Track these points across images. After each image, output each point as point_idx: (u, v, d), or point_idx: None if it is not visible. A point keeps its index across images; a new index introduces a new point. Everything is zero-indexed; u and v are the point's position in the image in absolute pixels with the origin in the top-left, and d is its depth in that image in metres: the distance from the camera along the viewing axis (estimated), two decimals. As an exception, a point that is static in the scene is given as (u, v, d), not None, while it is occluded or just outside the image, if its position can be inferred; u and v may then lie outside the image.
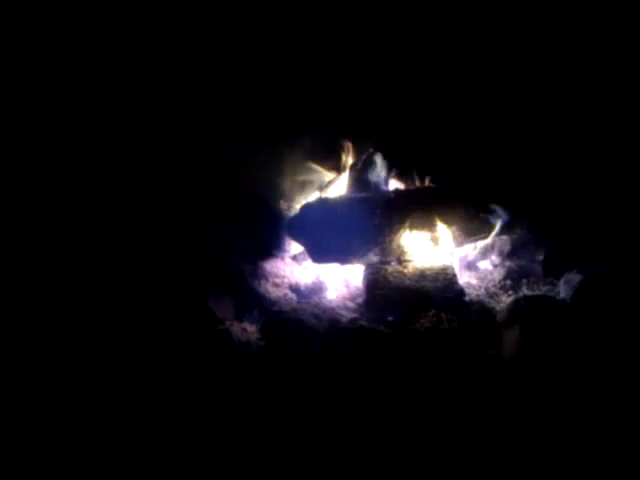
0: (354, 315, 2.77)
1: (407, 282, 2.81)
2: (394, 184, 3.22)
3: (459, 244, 3.06)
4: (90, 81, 3.15)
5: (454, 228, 2.99)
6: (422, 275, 2.84)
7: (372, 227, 2.89)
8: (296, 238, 3.04)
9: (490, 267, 3.17)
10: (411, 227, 2.92)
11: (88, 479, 1.89)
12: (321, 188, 3.29)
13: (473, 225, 3.01)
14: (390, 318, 2.70)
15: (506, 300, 2.85)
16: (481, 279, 3.09)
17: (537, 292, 2.92)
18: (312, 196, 3.28)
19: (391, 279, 2.82)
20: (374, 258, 2.91)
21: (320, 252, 2.96)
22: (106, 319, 2.52)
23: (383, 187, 3.17)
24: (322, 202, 3.10)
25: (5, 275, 2.66)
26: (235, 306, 2.80)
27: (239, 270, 2.98)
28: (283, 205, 3.28)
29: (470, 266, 3.18)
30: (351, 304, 2.89)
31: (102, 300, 2.61)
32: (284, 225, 3.10)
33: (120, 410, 2.11)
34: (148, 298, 2.64)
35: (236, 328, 2.65)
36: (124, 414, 2.10)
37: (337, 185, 3.28)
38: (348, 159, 3.26)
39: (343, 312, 2.80)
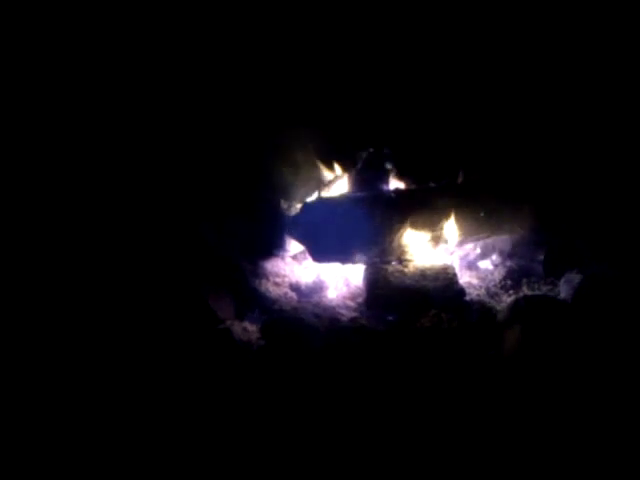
0: (354, 314, 2.77)
1: (407, 282, 2.81)
2: (395, 183, 3.22)
3: (460, 244, 3.07)
4: (88, 80, 3.14)
5: (455, 228, 2.99)
6: (422, 275, 2.84)
7: (372, 226, 2.89)
8: (297, 237, 3.04)
9: (491, 267, 3.17)
10: (412, 227, 2.93)
11: (88, 479, 1.89)
12: (322, 187, 3.29)
13: (474, 225, 3.01)
14: (390, 318, 2.70)
15: (506, 300, 2.85)
16: (481, 279, 3.09)
17: (537, 292, 2.92)
18: (313, 195, 3.28)
19: (391, 279, 2.82)
20: (375, 257, 2.91)
21: (320, 251, 2.96)
22: (107, 318, 2.52)
23: (384, 186, 3.17)
24: (323, 201, 3.10)
25: (5, 275, 2.66)
26: (236, 305, 2.80)
27: (240, 269, 2.98)
28: (284, 204, 3.28)
29: (471, 266, 3.18)
30: (351, 303, 2.89)
31: (103, 299, 2.61)
32: (285, 224, 3.10)
33: (121, 409, 2.12)
34: (149, 298, 2.65)
35: (237, 327, 2.65)
36: (125, 413, 2.10)
37: (338, 184, 3.28)
38: (350, 158, 3.25)
39: (343, 311, 2.80)
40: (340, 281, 3.04)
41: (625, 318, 2.45)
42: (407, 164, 3.21)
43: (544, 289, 2.94)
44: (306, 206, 3.04)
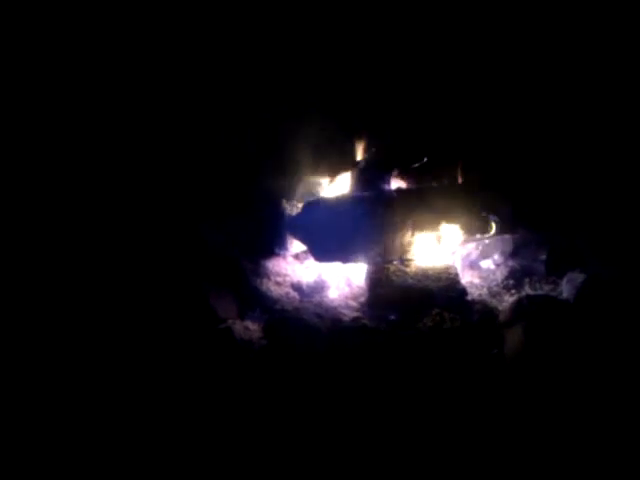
0: (356, 314, 2.77)
1: (409, 281, 2.80)
2: (396, 183, 3.22)
3: (462, 243, 3.06)
4: (88, 80, 3.14)
5: (457, 227, 2.99)
6: (424, 274, 2.84)
7: (374, 226, 2.89)
8: (298, 237, 3.04)
9: (493, 266, 3.17)
10: (413, 226, 2.92)
11: (88, 479, 1.89)
12: (323, 187, 3.29)
13: (475, 224, 3.01)
14: (392, 317, 2.70)
15: (509, 299, 2.85)
16: (484, 278, 3.09)
17: (540, 291, 2.92)
18: (314, 195, 3.28)
19: (393, 278, 2.81)
20: (376, 257, 2.91)
21: (322, 251, 2.96)
22: (109, 317, 2.52)
23: (385, 186, 3.16)
24: (324, 201, 3.10)
25: (8, 270, 2.66)
26: (237, 305, 2.80)
27: (241, 269, 2.98)
28: (285, 204, 3.27)
29: (473, 265, 3.18)
30: (353, 303, 2.89)
31: (104, 298, 2.61)
32: (286, 224, 3.10)
33: (122, 408, 2.11)
34: (151, 297, 2.64)
35: (238, 327, 2.65)
36: (126, 412, 2.10)
37: (339, 184, 3.28)
38: (352, 158, 3.25)
39: (345, 311, 2.80)
40: (342, 281, 3.03)
41: (627, 318, 2.45)
42: (409, 164, 3.20)
43: (546, 289, 2.94)
44: (308, 206, 3.04)
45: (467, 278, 3.07)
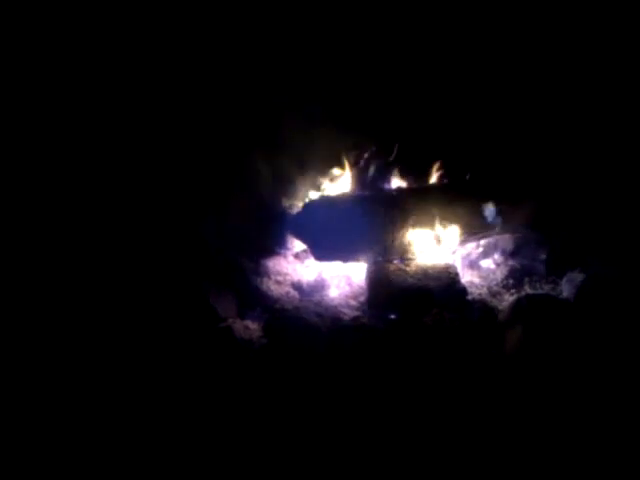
0: (356, 313, 2.77)
1: (410, 280, 2.80)
2: (397, 182, 3.22)
3: (462, 243, 3.06)
4: (90, 80, 3.14)
5: (457, 227, 2.99)
6: (425, 274, 2.84)
7: (374, 225, 2.89)
8: (299, 236, 3.04)
9: (493, 266, 3.17)
10: (414, 225, 2.92)
11: (88, 479, 1.89)
12: (324, 186, 3.29)
13: (476, 224, 3.01)
14: (392, 316, 2.70)
15: (508, 299, 2.85)
16: (483, 278, 3.09)
17: (539, 291, 2.92)
18: (315, 194, 3.28)
19: (394, 277, 2.81)
20: (377, 256, 2.91)
21: (322, 250, 2.96)
22: (109, 316, 2.52)
23: (386, 185, 3.17)
24: (325, 200, 3.10)
25: (8, 269, 2.67)
26: (238, 304, 2.81)
27: (241, 268, 2.98)
28: (286, 203, 3.28)
29: (473, 265, 3.18)
30: (353, 302, 2.89)
31: (106, 298, 2.62)
32: (287, 223, 3.10)
33: (122, 407, 2.12)
34: (151, 296, 2.65)
35: (238, 326, 2.65)
36: (126, 411, 2.10)
37: (340, 183, 3.28)
38: (352, 157, 3.25)
39: (345, 310, 2.80)
40: (342, 280, 3.03)
41: (627, 317, 2.45)
42: (410, 163, 3.20)
43: (546, 288, 2.94)
44: (308, 205, 3.04)
45: (467, 277, 3.07)
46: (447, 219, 2.97)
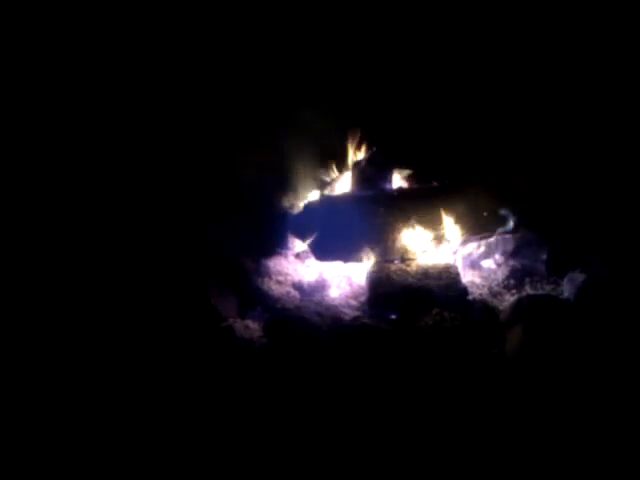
0: (357, 313, 2.77)
1: (410, 280, 2.80)
2: (398, 182, 3.22)
3: (462, 243, 3.06)
4: (90, 81, 3.15)
5: (457, 227, 2.99)
6: (425, 274, 2.84)
7: (375, 225, 2.89)
8: (299, 236, 3.05)
9: (493, 266, 3.16)
10: (414, 225, 2.92)
11: (88, 479, 1.89)
12: (325, 186, 3.29)
13: (477, 224, 3.01)
14: (393, 316, 2.70)
15: (509, 299, 2.85)
16: (484, 278, 3.09)
17: (540, 291, 2.91)
18: (316, 194, 3.28)
19: (394, 277, 2.81)
20: (377, 256, 2.91)
21: (323, 250, 2.96)
22: (110, 316, 2.53)
23: (387, 185, 3.17)
24: (325, 200, 3.10)
25: (8, 270, 2.67)
26: (239, 303, 2.81)
27: (242, 268, 2.99)
28: (286, 203, 3.28)
29: (473, 265, 3.17)
30: (354, 302, 2.89)
31: (106, 297, 2.62)
32: (287, 223, 3.11)
33: (123, 406, 2.12)
34: (152, 296, 2.65)
35: (239, 325, 2.65)
36: (127, 410, 2.11)
37: (341, 183, 3.28)
38: (352, 157, 3.25)
39: (346, 310, 2.80)
40: (343, 280, 3.03)
41: (628, 318, 2.45)
42: (411, 163, 3.21)
43: (547, 288, 2.94)
44: (309, 205, 3.04)
45: (468, 277, 3.07)
46: (448, 219, 2.97)
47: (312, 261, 3.09)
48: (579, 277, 2.81)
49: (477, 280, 3.07)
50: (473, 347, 2.45)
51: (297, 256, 3.18)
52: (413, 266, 2.89)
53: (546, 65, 3.16)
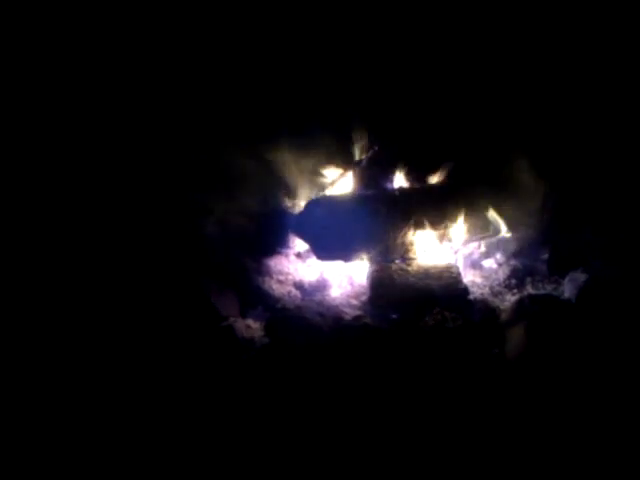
0: (358, 313, 2.77)
1: (411, 280, 2.80)
2: (399, 182, 3.21)
3: (464, 243, 3.06)
4: (91, 82, 3.14)
5: (459, 227, 2.99)
6: (426, 273, 2.84)
7: (376, 225, 2.89)
8: (301, 235, 3.04)
9: (495, 266, 3.16)
10: (416, 225, 2.92)
11: (88, 479, 1.90)
12: (326, 185, 3.29)
13: (478, 224, 3.00)
14: (394, 316, 2.70)
15: (510, 299, 2.85)
16: (486, 278, 3.09)
17: (542, 291, 2.91)
18: (317, 193, 3.27)
19: (395, 277, 2.81)
20: (378, 256, 2.91)
21: (324, 250, 2.96)
22: (111, 315, 2.53)
23: (388, 185, 3.16)
24: (327, 200, 3.10)
25: (7, 269, 2.68)
26: (239, 303, 2.81)
27: (243, 267, 2.99)
28: (288, 202, 3.28)
29: (475, 265, 3.17)
30: (355, 302, 2.89)
31: (107, 297, 2.62)
32: (289, 222, 3.10)
33: (124, 405, 2.12)
34: (153, 295, 2.65)
35: (240, 325, 2.66)
36: (128, 409, 2.11)
37: (342, 183, 3.28)
38: (354, 156, 3.25)
39: (347, 310, 2.80)
40: (344, 279, 3.04)
41: (629, 318, 2.44)
42: (412, 163, 3.20)
43: (548, 288, 2.94)
44: (310, 204, 3.04)
45: (469, 277, 3.07)
46: (449, 219, 2.97)
47: (313, 260, 3.09)
48: (580, 277, 2.81)
49: (478, 280, 3.08)
50: (474, 347, 2.45)
51: (298, 255, 3.18)
52: (414, 266, 2.89)
53: (549, 64, 3.15)
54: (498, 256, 3.19)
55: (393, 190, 3.12)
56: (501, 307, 2.77)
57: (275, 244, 3.15)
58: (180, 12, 3.14)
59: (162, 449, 1.96)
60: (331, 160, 3.24)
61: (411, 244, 2.93)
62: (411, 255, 2.93)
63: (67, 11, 3.07)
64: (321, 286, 3.01)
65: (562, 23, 3.10)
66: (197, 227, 3.05)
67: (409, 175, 3.20)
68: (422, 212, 2.94)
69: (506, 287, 2.98)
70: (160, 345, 2.40)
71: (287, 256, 3.16)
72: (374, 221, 2.88)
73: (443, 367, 2.31)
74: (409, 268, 2.87)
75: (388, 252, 2.90)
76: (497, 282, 3.03)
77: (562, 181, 3.10)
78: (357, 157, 3.25)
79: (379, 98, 3.18)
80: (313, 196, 3.23)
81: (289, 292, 2.96)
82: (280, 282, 3.01)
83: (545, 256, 3.08)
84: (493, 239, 3.15)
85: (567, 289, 2.86)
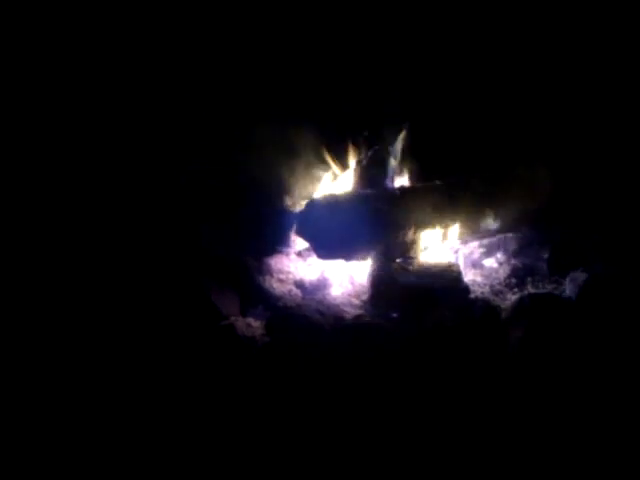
0: (359, 312, 2.77)
1: (412, 279, 2.80)
2: (399, 181, 3.22)
3: (465, 242, 3.06)
4: (92, 83, 3.14)
5: (460, 226, 2.99)
6: (427, 272, 2.84)
7: (377, 224, 2.89)
8: (301, 234, 3.04)
9: (495, 265, 3.17)
10: (416, 224, 2.92)
11: (88, 478, 1.90)
12: (327, 184, 3.29)
13: (479, 223, 3.00)
14: (395, 315, 2.70)
15: (511, 298, 2.85)
16: (486, 277, 3.09)
17: (542, 290, 2.91)
18: (318, 192, 3.27)
19: (396, 276, 2.81)
20: (379, 255, 2.91)
21: (325, 249, 2.96)
22: (112, 314, 2.53)
23: (389, 184, 3.17)
24: (328, 198, 3.09)
25: (7, 268, 2.68)
26: (240, 302, 2.81)
27: (244, 266, 2.99)
28: (288, 201, 3.28)
29: (475, 264, 3.18)
30: (356, 301, 2.89)
31: (108, 296, 2.62)
32: (289, 221, 3.10)
33: (125, 404, 2.12)
34: (154, 294, 2.65)
35: (241, 323, 2.65)
36: (128, 408, 2.11)
37: (343, 181, 3.28)
38: (355, 155, 3.25)
39: (348, 308, 2.80)
40: (344, 278, 3.04)
41: (629, 317, 2.45)
42: (413, 162, 3.20)
43: (549, 287, 2.94)
44: (311, 203, 3.04)
45: (470, 276, 3.07)
46: (450, 218, 2.97)
47: (314, 259, 3.09)
48: (581, 276, 2.81)
49: (479, 279, 3.08)
50: (475, 346, 2.45)
51: (299, 254, 3.18)
52: (415, 265, 2.90)
53: (548, 64, 3.16)
54: (499, 255, 3.19)
55: (394, 189, 3.12)
56: (502, 306, 2.77)
57: (276, 243, 3.15)
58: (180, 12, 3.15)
59: (163, 448, 1.96)
60: (332, 159, 3.24)
61: (412, 243, 2.93)
62: (412, 254, 2.93)
63: (67, 11, 3.07)
64: (322, 285, 3.01)
65: (569, 26, 3.10)
66: (197, 227, 3.05)
67: (410, 174, 3.20)
68: (423, 211, 2.93)
69: (507, 286, 2.98)
70: (161, 344, 2.40)
71: (288, 255, 3.16)
72: (375, 220, 2.88)
73: (444, 366, 2.31)
74: (410, 267, 2.87)
75: (389, 251, 2.90)
76: (498, 281, 3.03)
77: (562, 181, 3.10)
78: (357, 157, 3.26)
79: (379, 98, 3.19)
80: (314, 195, 3.23)
81: (290, 291, 2.96)
82: (281, 281, 3.01)
83: (546, 255, 3.08)
84: (494, 238, 3.15)
85: (568, 288, 2.86)
